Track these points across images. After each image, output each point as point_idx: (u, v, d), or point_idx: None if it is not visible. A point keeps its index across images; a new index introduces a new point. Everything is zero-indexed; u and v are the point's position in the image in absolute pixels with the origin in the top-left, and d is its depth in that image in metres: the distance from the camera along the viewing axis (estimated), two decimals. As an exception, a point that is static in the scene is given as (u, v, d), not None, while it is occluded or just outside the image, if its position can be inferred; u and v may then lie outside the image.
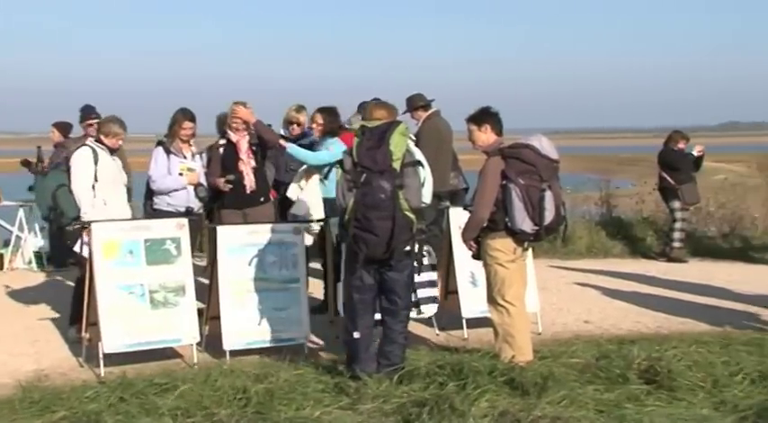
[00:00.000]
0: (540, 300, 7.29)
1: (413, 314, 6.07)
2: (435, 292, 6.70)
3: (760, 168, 15.36)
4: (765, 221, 12.45)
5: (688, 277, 9.52)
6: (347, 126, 7.54)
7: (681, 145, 11.14)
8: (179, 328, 6.10)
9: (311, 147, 7.41)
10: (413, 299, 5.95)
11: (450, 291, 7.10)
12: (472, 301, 6.74)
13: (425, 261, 6.13)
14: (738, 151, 35.77)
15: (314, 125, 7.41)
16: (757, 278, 9.46)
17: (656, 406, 4.80)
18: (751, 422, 4.57)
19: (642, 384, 5.09)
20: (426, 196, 5.46)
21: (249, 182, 7.17)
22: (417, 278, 5.72)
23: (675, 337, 6.29)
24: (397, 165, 5.17)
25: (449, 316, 7.01)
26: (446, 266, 7.11)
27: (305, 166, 7.19)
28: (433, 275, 6.65)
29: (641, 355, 5.40)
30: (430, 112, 8.92)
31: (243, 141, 7.19)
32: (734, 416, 4.66)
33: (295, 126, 7.96)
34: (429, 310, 6.60)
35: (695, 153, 11.12)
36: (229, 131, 7.21)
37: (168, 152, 7.21)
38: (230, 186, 7.08)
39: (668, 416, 4.61)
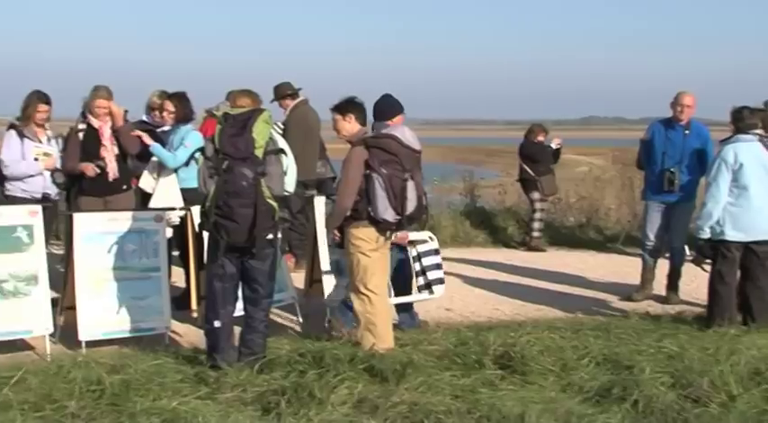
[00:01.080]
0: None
1: (425, 295, 6.59)
2: (441, 273, 6.73)
3: (615, 161, 16.07)
4: (619, 212, 13.05)
5: (545, 266, 9.88)
6: (214, 113, 7.46)
7: (540, 137, 11.50)
8: (30, 319, 5.87)
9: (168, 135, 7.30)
10: (423, 281, 6.53)
11: (314, 279, 7.13)
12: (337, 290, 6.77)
13: (430, 246, 6.60)
14: (597, 145, 37.38)
15: (165, 113, 7.28)
16: (609, 266, 9.93)
17: (509, 390, 4.98)
18: (593, 402, 4.83)
19: (497, 369, 5.27)
20: (289, 184, 5.47)
21: (112, 169, 6.98)
22: (425, 262, 6.37)
23: (530, 324, 6.51)
24: (259, 152, 5.16)
25: (313, 304, 7.05)
26: (311, 255, 7.15)
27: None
28: (438, 259, 6.71)
29: (497, 342, 5.58)
30: (298, 100, 8.93)
31: (105, 128, 6.98)
32: (579, 397, 4.92)
33: (157, 112, 7.78)
34: (438, 290, 6.67)
35: (554, 146, 11.52)
36: (91, 117, 6.98)
37: (22, 136, 6.91)
38: (98, 171, 6.87)
39: (520, 399, 4.79)
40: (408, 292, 6.62)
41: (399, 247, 6.47)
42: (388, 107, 6.21)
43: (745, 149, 6.49)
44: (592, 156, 30.11)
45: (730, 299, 6.58)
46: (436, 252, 6.74)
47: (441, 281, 6.71)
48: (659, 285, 8.14)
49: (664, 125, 8.01)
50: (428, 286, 6.62)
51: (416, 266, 6.64)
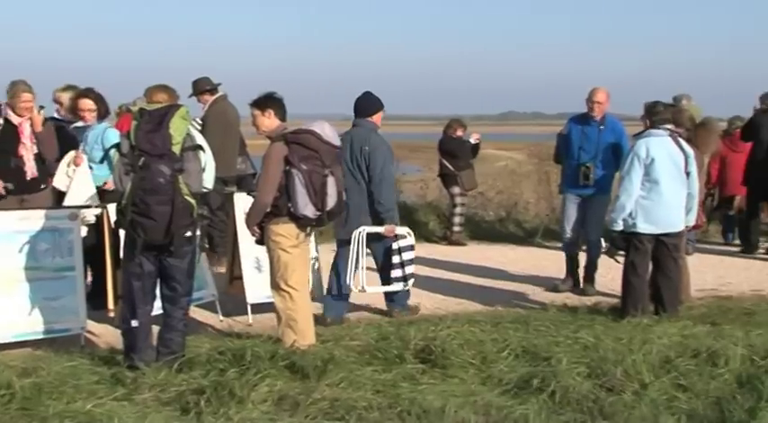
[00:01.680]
0: (325, 284, 7.41)
1: (400, 286, 6.92)
2: (413, 268, 7.05)
3: (531, 155, 16.36)
4: (537, 206, 13.30)
5: (466, 260, 9.99)
6: (130, 108, 7.30)
7: (459, 132, 11.59)
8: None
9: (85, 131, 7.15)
10: (400, 274, 6.86)
11: (235, 276, 7.07)
12: (257, 287, 6.74)
13: (409, 241, 6.95)
14: (516, 140, 37.93)
15: (85, 112, 7.13)
16: (528, 260, 10.11)
17: (430, 384, 5.02)
18: (512, 393, 4.90)
19: (418, 364, 5.31)
20: (208, 181, 5.38)
21: (30, 168, 6.81)
22: (405, 256, 6.79)
23: (451, 318, 6.58)
24: (176, 149, 5.07)
25: (234, 301, 6.98)
26: (231, 252, 7.08)
27: (72, 152, 6.90)
28: (413, 254, 7.04)
29: (418, 336, 5.61)
30: (217, 96, 8.82)
31: (26, 125, 6.80)
32: (499, 389, 4.98)
33: (59, 106, 7.59)
34: (410, 284, 7.05)
35: (472, 141, 11.64)
36: (10, 112, 6.78)
37: None
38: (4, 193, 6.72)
39: (440, 392, 4.84)
40: (390, 283, 6.94)
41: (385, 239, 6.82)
42: (369, 104, 6.90)
43: (657, 144, 6.67)
44: (511, 150, 30.56)
45: (643, 290, 6.77)
46: (412, 248, 7.04)
47: (413, 275, 7.06)
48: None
49: (579, 120, 8.18)
50: (405, 279, 6.94)
51: (396, 259, 6.88)
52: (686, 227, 6.96)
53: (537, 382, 4.93)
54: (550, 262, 9.78)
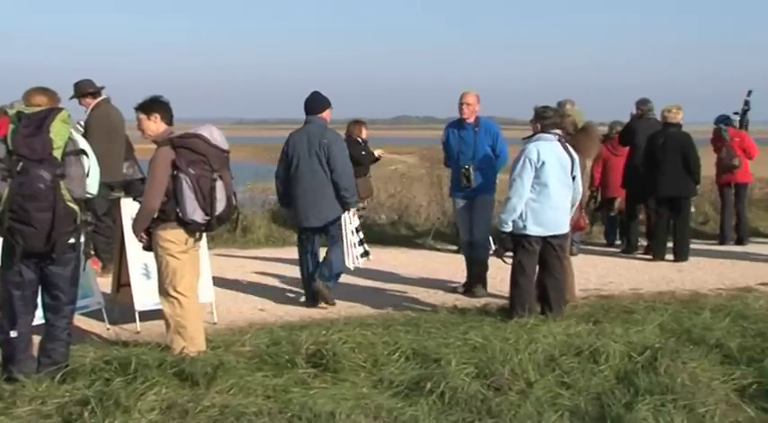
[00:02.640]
0: (217, 289, 7.34)
1: (362, 262, 7.86)
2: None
3: (423, 159, 16.58)
4: (429, 209, 13.48)
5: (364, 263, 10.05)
6: (7, 111, 7.02)
7: (363, 134, 11.58)
8: None
9: None
10: (363, 250, 7.71)
11: (122, 283, 6.90)
12: (146, 294, 6.60)
13: (353, 225, 7.69)
14: (408, 144, 38.34)
15: None
16: (420, 262, 10.24)
17: (321, 388, 5.02)
18: (403, 396, 4.95)
19: (309, 368, 5.30)
20: (92, 186, 5.21)
21: None
22: (360, 236, 7.67)
23: (343, 321, 6.62)
24: (57, 153, 4.90)
25: (121, 309, 6.82)
26: (119, 259, 6.91)
27: None
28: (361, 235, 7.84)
29: (309, 341, 5.60)
30: (99, 99, 8.59)
31: None
32: (389, 391, 5.03)
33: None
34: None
35: (377, 154, 11.67)
36: None
37: None
38: None
39: (331, 396, 4.84)
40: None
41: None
42: (317, 102, 7.75)
43: (547, 148, 6.87)
44: (404, 154, 30.85)
45: (530, 290, 6.95)
46: (358, 230, 7.83)
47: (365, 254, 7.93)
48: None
49: (456, 126, 8.40)
50: (366, 253, 7.85)
51: (356, 238, 7.70)
52: (567, 228, 7.18)
53: (427, 384, 4.99)
54: (442, 264, 9.95)
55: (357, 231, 7.75)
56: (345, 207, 7.61)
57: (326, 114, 7.78)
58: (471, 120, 8.23)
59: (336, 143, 7.68)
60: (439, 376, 5.06)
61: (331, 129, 7.82)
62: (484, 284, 8.30)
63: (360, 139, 11.47)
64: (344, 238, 7.61)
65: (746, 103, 11.10)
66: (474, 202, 8.20)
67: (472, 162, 8.10)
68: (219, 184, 5.56)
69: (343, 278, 9.08)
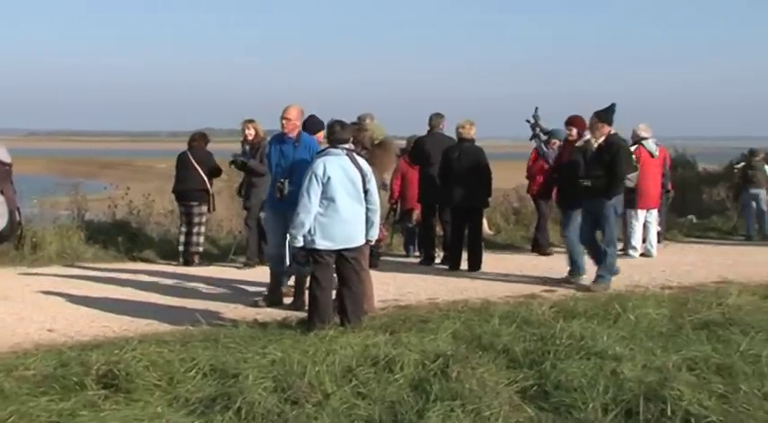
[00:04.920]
0: (1, 310, 6.90)
1: None
2: None
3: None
4: (230, 223, 13.32)
5: (158, 278, 9.79)
6: None
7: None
8: None
9: None
10: None
11: None
12: None
13: None
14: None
15: None
16: (221, 276, 10.09)
17: (113, 410, 4.82)
18: (199, 413, 4.86)
19: (100, 390, 5.08)
20: None
21: None
22: None
23: (138, 339, 6.38)
24: None
25: None
26: None
27: None
28: None
29: (101, 361, 5.38)
30: None
31: None
32: (185, 409, 4.91)
33: None
34: None
35: None
36: None
37: None
38: None
39: (123, 418, 4.67)
40: None
41: None
42: (312, 125, 8.61)
43: (334, 162, 6.99)
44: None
45: (327, 302, 7.03)
46: None
47: None
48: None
49: (278, 139, 8.43)
50: None
51: None
52: (369, 241, 7.33)
53: (224, 400, 4.93)
54: (243, 278, 9.87)
55: None
56: None
57: (319, 136, 8.45)
58: (293, 134, 8.27)
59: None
60: (236, 392, 5.01)
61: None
62: (279, 298, 8.37)
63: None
64: None
65: (533, 117, 11.70)
66: (286, 216, 8.20)
67: (288, 176, 8.12)
68: (1, 200, 5.24)
69: (140, 295, 8.87)
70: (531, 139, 11.82)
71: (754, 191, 14.40)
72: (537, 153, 11.97)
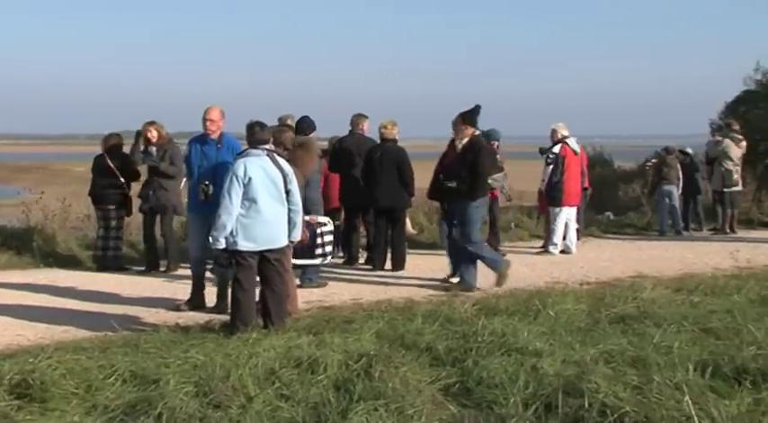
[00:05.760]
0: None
1: (322, 260, 8.91)
2: (331, 247, 9.10)
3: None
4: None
5: (78, 284, 9.57)
6: None
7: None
8: None
9: None
10: (321, 251, 8.79)
11: None
12: None
13: (328, 227, 8.91)
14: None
15: None
16: (144, 282, 9.94)
17: (27, 420, 4.74)
18: (119, 420, 4.78)
19: (13, 400, 4.96)
20: None
21: None
22: (325, 238, 8.80)
23: (54, 347, 6.22)
24: None
25: None
26: None
27: None
28: (332, 237, 9.04)
29: (14, 370, 5.24)
30: None
31: None
32: (104, 417, 4.83)
33: None
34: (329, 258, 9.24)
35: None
36: None
37: None
38: None
39: (38, 428, 4.56)
40: (313, 258, 8.68)
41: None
42: (306, 125, 9.70)
43: (255, 163, 6.94)
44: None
45: (251, 304, 6.98)
46: (331, 232, 8.94)
47: (331, 252, 9.05)
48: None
49: (199, 140, 8.31)
50: (324, 255, 8.81)
51: (319, 240, 8.68)
52: (291, 241, 7.30)
53: (144, 407, 4.85)
54: (163, 283, 9.72)
55: (322, 235, 8.91)
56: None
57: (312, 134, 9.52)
58: (215, 136, 8.17)
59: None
60: (157, 397, 4.95)
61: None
62: (202, 301, 8.28)
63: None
64: None
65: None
66: (210, 219, 8.07)
67: (212, 178, 8.02)
68: None
69: (57, 301, 8.67)
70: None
71: (667, 188, 14.83)
72: None
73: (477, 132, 9.46)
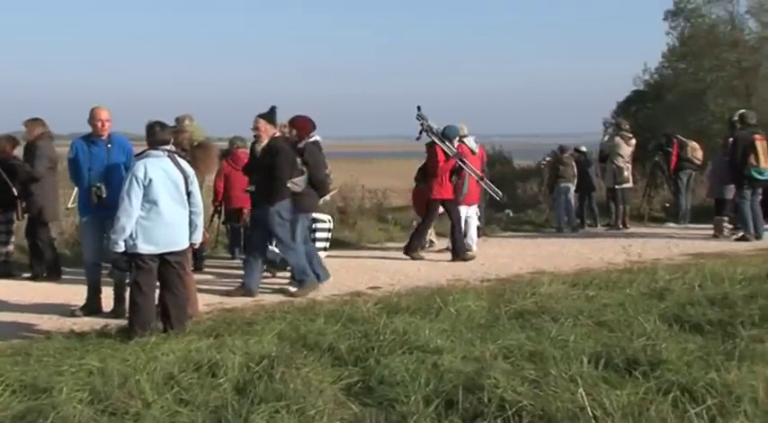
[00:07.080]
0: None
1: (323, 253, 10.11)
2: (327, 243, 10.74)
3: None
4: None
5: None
6: None
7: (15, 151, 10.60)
8: None
9: None
10: (322, 245, 10.31)
11: None
12: None
13: (327, 225, 10.62)
14: None
15: None
16: (34, 287, 9.61)
17: None
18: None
19: None
20: None
21: None
22: (321, 235, 10.46)
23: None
24: None
25: None
26: None
27: None
28: (329, 234, 10.83)
29: None
30: None
31: None
32: (-13, 430, 4.64)
33: None
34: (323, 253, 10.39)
35: None
36: None
37: None
38: None
39: None
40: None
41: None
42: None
43: (155, 164, 6.80)
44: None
45: (150, 308, 6.83)
46: (329, 230, 10.53)
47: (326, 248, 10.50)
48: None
49: (86, 141, 8.04)
50: (324, 249, 10.23)
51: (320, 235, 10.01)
52: (193, 244, 7.18)
53: (33, 417, 4.68)
54: (63, 290, 9.40)
55: (316, 231, 10.39)
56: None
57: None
58: (104, 135, 7.92)
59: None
60: (48, 407, 4.77)
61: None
62: (98, 306, 8.09)
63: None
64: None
65: (419, 117, 11.54)
66: (104, 223, 7.82)
67: (104, 180, 7.78)
68: None
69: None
70: (417, 139, 11.69)
71: (564, 185, 15.24)
72: (444, 153, 11.55)
73: (278, 134, 9.01)
